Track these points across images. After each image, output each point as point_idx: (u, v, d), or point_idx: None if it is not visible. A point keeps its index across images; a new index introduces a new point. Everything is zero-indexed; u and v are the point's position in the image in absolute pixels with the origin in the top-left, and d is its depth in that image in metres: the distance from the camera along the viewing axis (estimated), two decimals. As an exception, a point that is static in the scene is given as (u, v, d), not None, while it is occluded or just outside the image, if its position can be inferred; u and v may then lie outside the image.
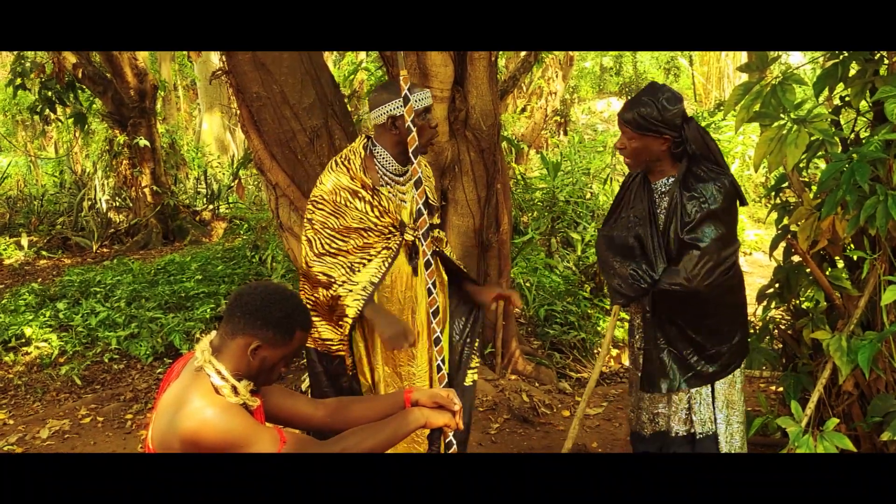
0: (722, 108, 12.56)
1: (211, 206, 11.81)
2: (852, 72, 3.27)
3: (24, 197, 12.52)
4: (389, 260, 3.03)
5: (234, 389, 2.12)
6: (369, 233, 2.98)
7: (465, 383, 3.25)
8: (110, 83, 10.10)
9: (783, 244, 3.62)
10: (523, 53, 8.71)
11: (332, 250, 2.98)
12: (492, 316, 5.21)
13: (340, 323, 3.01)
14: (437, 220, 3.30)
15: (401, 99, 2.89)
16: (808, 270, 3.45)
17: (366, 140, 3.07)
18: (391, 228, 3.01)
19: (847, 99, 3.40)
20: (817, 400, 3.22)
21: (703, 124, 9.84)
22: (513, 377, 5.17)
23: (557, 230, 7.65)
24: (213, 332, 2.23)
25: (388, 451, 2.30)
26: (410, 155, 2.86)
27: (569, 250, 7.58)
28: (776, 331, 3.84)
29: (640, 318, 3.16)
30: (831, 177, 2.95)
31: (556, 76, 12.80)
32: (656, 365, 3.11)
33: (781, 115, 3.05)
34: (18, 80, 9.32)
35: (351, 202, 2.96)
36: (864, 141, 3.16)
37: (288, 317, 2.16)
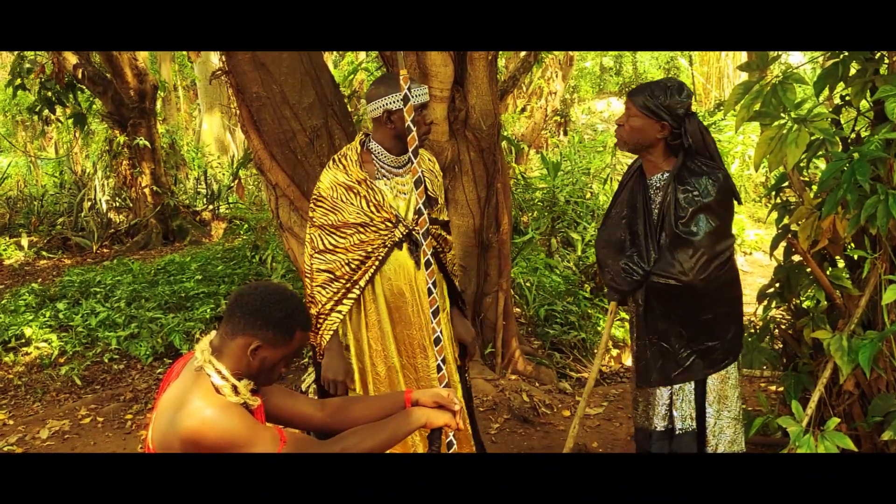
0: (722, 107, 12.55)
1: (211, 207, 11.81)
2: (853, 71, 3.27)
3: (24, 197, 12.52)
4: (380, 262, 3.07)
5: (235, 389, 2.12)
6: (367, 228, 3.00)
7: None
8: (110, 83, 10.10)
9: (783, 244, 3.61)
10: (523, 53, 8.71)
11: (331, 247, 3.03)
12: (492, 316, 5.20)
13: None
14: (445, 217, 3.31)
15: (398, 94, 2.92)
16: (808, 270, 3.44)
17: (363, 136, 3.12)
18: (387, 223, 3.02)
19: (847, 98, 3.40)
20: (818, 399, 3.21)
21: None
22: (513, 377, 5.17)
23: (557, 230, 7.65)
24: (213, 332, 2.23)
25: (388, 452, 2.30)
26: (410, 154, 2.86)
27: (569, 250, 7.57)
28: (777, 330, 3.84)
29: (635, 314, 3.17)
30: (832, 176, 2.95)
31: (556, 76, 12.80)
32: (647, 359, 3.13)
33: (782, 115, 3.05)
34: (18, 81, 9.31)
35: (347, 197, 3.00)
36: (864, 140, 3.16)
37: (288, 317, 2.16)
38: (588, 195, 8.74)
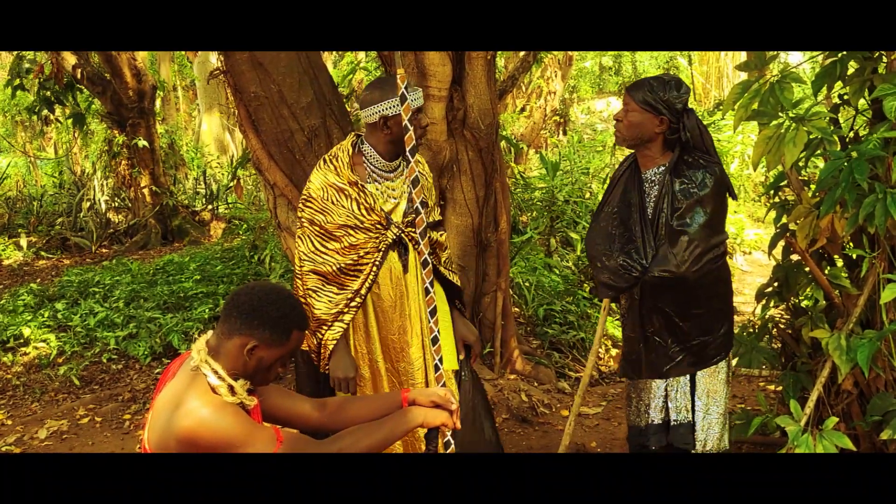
0: (721, 107, 12.54)
1: (210, 207, 11.81)
2: (851, 70, 3.26)
3: (23, 197, 12.52)
4: (378, 266, 3.06)
5: (231, 389, 2.12)
6: (357, 231, 2.99)
7: None
8: (109, 83, 10.09)
9: (782, 243, 3.61)
10: (522, 53, 8.70)
11: (322, 250, 3.01)
12: (490, 315, 5.20)
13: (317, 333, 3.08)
14: (436, 217, 3.31)
15: (395, 99, 2.91)
16: (807, 269, 3.44)
17: (355, 138, 3.09)
18: (377, 226, 3.02)
19: (846, 97, 3.40)
20: (816, 399, 3.21)
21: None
22: (511, 377, 5.17)
23: (556, 230, 7.65)
24: (210, 332, 2.23)
25: (385, 452, 2.30)
26: (408, 154, 2.85)
27: (568, 250, 7.57)
28: (775, 329, 3.83)
29: (628, 307, 3.18)
30: (830, 175, 2.95)
31: (556, 76, 12.79)
32: (639, 352, 3.15)
33: (780, 114, 3.04)
34: (17, 81, 9.31)
35: (338, 199, 2.98)
36: (862, 139, 3.15)
37: (284, 317, 2.15)
38: (587, 195, 8.74)
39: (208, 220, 11.37)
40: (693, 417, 3.16)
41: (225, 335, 2.14)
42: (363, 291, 3.05)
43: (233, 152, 16.32)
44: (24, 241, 10.39)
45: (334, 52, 12.92)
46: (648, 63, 20.32)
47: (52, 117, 10.22)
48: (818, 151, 3.25)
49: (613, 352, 6.08)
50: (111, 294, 7.38)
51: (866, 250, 3.22)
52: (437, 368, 2.87)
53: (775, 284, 3.72)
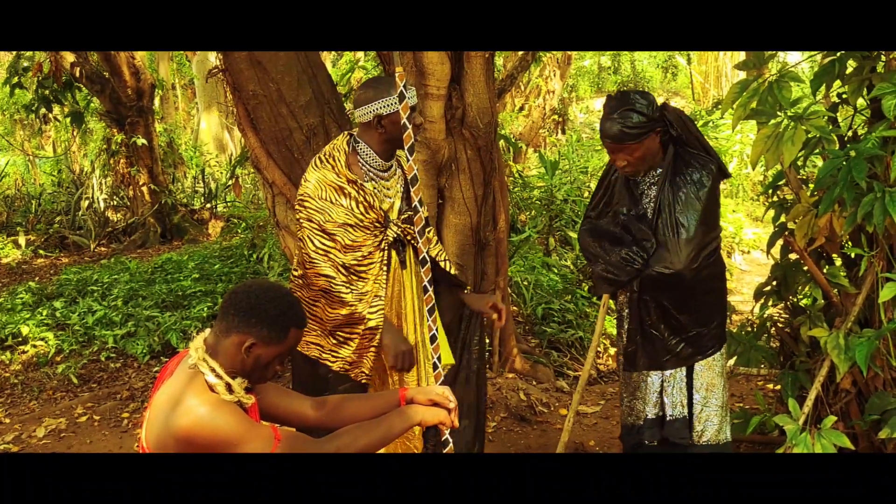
0: (720, 106, 12.55)
1: (208, 205, 11.80)
2: (849, 69, 3.26)
3: (21, 196, 12.51)
4: (386, 266, 3.05)
5: (229, 387, 2.11)
6: (356, 229, 2.98)
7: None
8: (108, 82, 10.08)
9: (780, 242, 3.61)
10: (521, 52, 8.69)
11: (322, 248, 2.98)
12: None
13: (349, 334, 3.03)
14: (425, 213, 3.32)
15: (389, 98, 2.91)
16: (805, 268, 3.44)
17: (349, 137, 3.08)
18: (376, 224, 3.01)
19: (844, 96, 3.40)
20: (815, 398, 3.21)
21: (701, 123, 9.82)
22: (510, 375, 5.17)
23: (555, 229, 7.65)
24: (208, 330, 2.22)
25: (382, 451, 2.30)
26: (406, 152, 2.85)
27: (566, 249, 7.57)
28: (774, 328, 3.84)
29: (628, 301, 3.19)
30: (828, 174, 2.95)
31: (554, 75, 12.77)
32: (637, 344, 3.18)
33: (778, 113, 3.05)
34: (15, 79, 9.29)
35: (336, 198, 2.96)
36: (861, 138, 3.15)
37: (282, 315, 2.15)
38: (586, 194, 8.72)
39: (207, 219, 11.37)
40: (689, 412, 3.18)
41: (223, 333, 2.14)
42: (381, 293, 3.03)
43: (231, 151, 16.32)
44: (22, 240, 10.39)
45: (333, 51, 12.90)
46: (647, 62, 20.33)
47: (50, 116, 10.20)
48: (817, 150, 3.25)
49: (612, 350, 6.08)
50: (109, 292, 7.38)
51: (865, 249, 3.22)
52: (435, 367, 2.87)
53: (774, 283, 3.72)
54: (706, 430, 3.19)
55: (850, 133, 3.47)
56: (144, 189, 10.69)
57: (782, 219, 3.54)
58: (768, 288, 3.76)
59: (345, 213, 2.96)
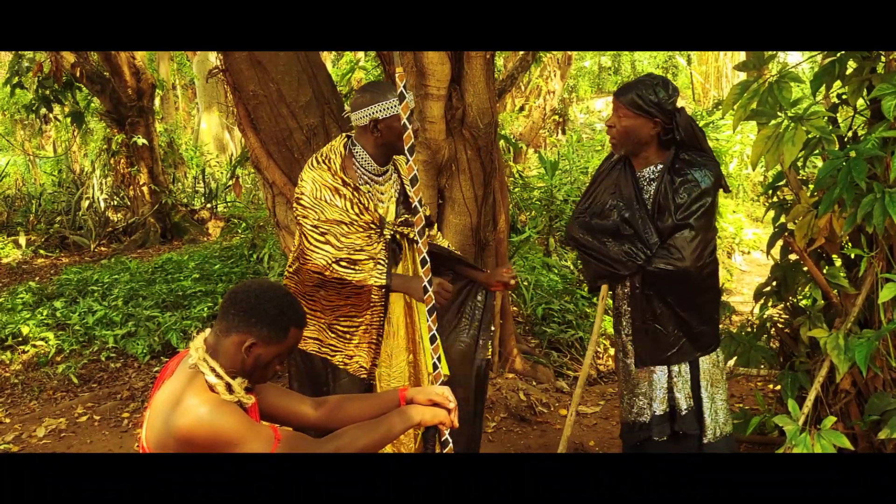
0: (720, 107, 12.54)
1: (209, 205, 11.80)
2: (849, 69, 3.26)
3: (22, 196, 12.51)
4: (385, 256, 3.05)
5: (229, 387, 2.12)
6: (351, 227, 2.99)
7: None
8: (108, 82, 10.09)
9: (780, 242, 3.61)
10: (521, 52, 8.69)
11: (317, 244, 2.99)
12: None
13: (347, 328, 3.03)
14: (427, 212, 3.33)
15: (385, 102, 2.94)
16: (805, 268, 3.44)
17: (346, 139, 3.09)
18: (371, 226, 3.02)
19: (844, 96, 3.40)
20: (814, 398, 3.21)
21: (701, 123, 9.79)
22: (510, 376, 5.17)
23: (555, 229, 7.65)
24: (208, 330, 2.22)
25: (382, 451, 2.30)
26: (406, 153, 2.85)
27: (567, 249, 7.57)
28: (773, 329, 3.84)
29: (629, 297, 3.19)
30: (828, 174, 2.95)
31: (555, 75, 12.77)
32: (642, 339, 3.18)
33: (779, 113, 3.05)
34: (16, 79, 9.30)
35: (331, 199, 2.98)
36: (861, 138, 3.16)
37: (282, 314, 2.15)
38: (586, 194, 8.73)
39: (207, 219, 11.37)
40: (699, 405, 3.17)
41: (223, 333, 2.14)
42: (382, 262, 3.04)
43: (232, 151, 16.32)
44: (22, 240, 10.39)
45: (333, 52, 12.90)
46: (648, 63, 20.33)
47: (51, 116, 10.21)
48: (817, 151, 3.25)
49: (612, 351, 6.08)
50: (110, 292, 7.39)
51: (864, 250, 3.22)
52: (434, 367, 2.87)
53: (773, 284, 3.72)
54: (717, 425, 3.19)
55: (850, 134, 3.47)
56: (145, 189, 10.70)
57: (782, 219, 3.54)
58: (768, 288, 3.76)
59: (339, 213, 2.98)
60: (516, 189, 8.48)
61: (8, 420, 5.15)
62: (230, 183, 10.84)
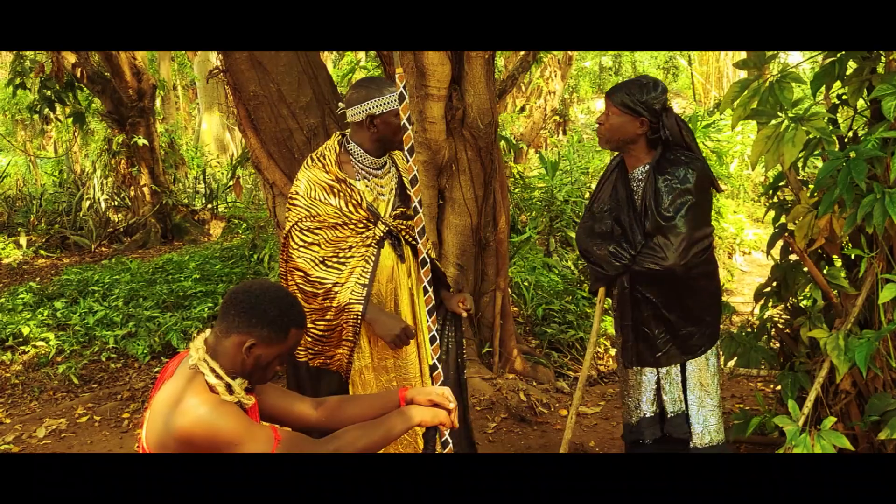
0: (721, 106, 12.51)
1: (209, 206, 11.80)
2: (849, 70, 3.26)
3: (23, 196, 12.51)
4: (372, 259, 3.05)
5: (229, 388, 2.12)
6: (344, 228, 2.99)
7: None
8: (109, 82, 10.09)
9: (780, 242, 3.61)
10: (522, 52, 8.69)
11: (303, 244, 3.00)
12: (489, 315, 5.20)
13: (324, 331, 3.04)
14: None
15: (381, 98, 2.96)
16: (805, 269, 3.44)
17: (340, 137, 3.10)
18: (366, 222, 3.03)
19: (844, 97, 3.40)
20: (815, 399, 3.21)
21: (702, 124, 9.79)
22: (510, 376, 5.16)
23: (556, 229, 7.64)
24: (208, 331, 2.23)
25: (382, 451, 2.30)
26: (405, 153, 2.85)
27: (567, 249, 7.57)
28: (774, 329, 3.84)
29: (618, 298, 3.21)
30: (828, 175, 2.95)
31: (555, 76, 12.77)
32: (630, 341, 3.21)
33: (779, 113, 3.05)
34: (18, 80, 9.31)
35: (326, 197, 2.99)
36: (861, 139, 3.15)
37: (282, 315, 2.15)
38: (587, 194, 8.72)
39: (208, 220, 11.37)
40: (687, 409, 3.19)
41: (223, 334, 2.14)
42: (363, 282, 3.03)
43: (233, 151, 16.33)
44: (23, 240, 10.39)
45: (334, 52, 12.90)
46: (648, 63, 20.33)
47: (52, 116, 10.21)
48: (817, 151, 3.25)
49: (612, 351, 6.08)
50: (110, 293, 7.38)
51: (864, 250, 3.22)
52: (434, 368, 2.87)
53: (774, 284, 3.72)
54: (706, 431, 3.19)
55: (850, 134, 3.47)
56: (145, 189, 10.70)
57: (782, 220, 3.54)
58: (768, 289, 3.76)
59: (333, 212, 2.99)
60: (517, 189, 8.48)
61: (8, 420, 5.15)
62: (231, 183, 10.84)
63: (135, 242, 10.57)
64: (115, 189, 11.28)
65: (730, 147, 10.73)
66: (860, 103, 3.29)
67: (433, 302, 2.91)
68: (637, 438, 3.29)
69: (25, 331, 6.45)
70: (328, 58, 14.57)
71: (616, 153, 3.32)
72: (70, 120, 10.65)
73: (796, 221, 3.26)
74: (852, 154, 2.92)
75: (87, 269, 8.41)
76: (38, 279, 8.60)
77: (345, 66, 11.52)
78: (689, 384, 3.18)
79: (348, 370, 3.10)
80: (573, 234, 7.47)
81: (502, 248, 5.10)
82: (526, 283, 6.40)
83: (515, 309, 6.18)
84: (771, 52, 3.30)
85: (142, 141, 10.32)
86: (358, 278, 3.02)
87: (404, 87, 2.83)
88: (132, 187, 10.80)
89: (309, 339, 3.08)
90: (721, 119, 11.15)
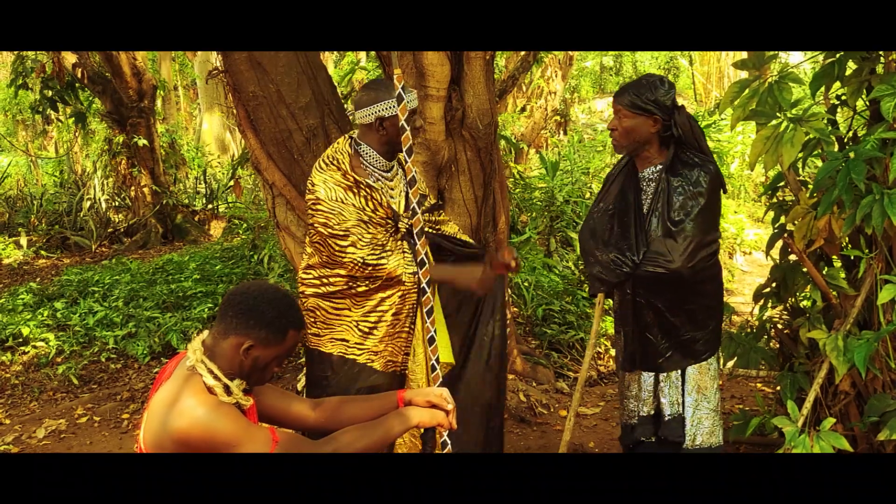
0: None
1: (210, 206, 11.80)
2: (849, 70, 3.26)
3: (23, 196, 12.52)
4: (410, 250, 3.04)
5: (227, 389, 2.12)
6: (370, 225, 2.97)
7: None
8: (109, 83, 10.10)
9: (780, 243, 3.61)
10: (522, 52, 8.69)
11: (343, 246, 2.94)
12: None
13: (375, 323, 3.03)
14: (433, 199, 3.31)
15: (390, 100, 2.90)
16: (804, 270, 3.44)
17: (349, 140, 3.07)
18: (388, 220, 3.01)
19: (843, 97, 3.39)
20: (814, 399, 3.21)
21: (703, 124, 9.78)
22: (510, 377, 5.16)
23: (556, 230, 7.64)
24: (206, 332, 2.23)
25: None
26: (404, 154, 2.85)
27: (568, 250, 7.56)
28: (773, 330, 3.84)
29: (622, 301, 3.19)
30: (827, 175, 2.95)
31: (556, 76, 12.77)
32: (632, 345, 3.18)
33: (778, 114, 3.04)
34: (20, 80, 9.31)
35: (346, 198, 2.95)
36: (861, 140, 3.15)
37: (280, 316, 2.15)
38: (587, 195, 8.72)
39: (208, 220, 11.38)
40: (683, 412, 3.18)
41: (221, 335, 2.14)
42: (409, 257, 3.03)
43: (234, 151, 16.34)
44: (24, 240, 10.39)
45: (335, 52, 12.91)
46: (649, 63, 20.33)
47: (53, 116, 10.22)
48: (816, 152, 3.25)
49: (612, 352, 6.08)
50: (110, 293, 7.39)
51: (864, 251, 3.22)
52: (433, 369, 2.87)
53: (773, 285, 3.72)
54: (697, 433, 3.18)
55: (849, 135, 3.47)
56: (146, 190, 10.70)
57: (782, 220, 3.54)
58: (768, 289, 3.76)
59: (356, 211, 2.95)
60: (517, 190, 8.48)
61: (8, 421, 5.16)
62: (231, 184, 10.84)
63: (135, 243, 10.58)
64: (115, 189, 11.28)
65: (730, 147, 10.73)
66: (859, 104, 3.28)
67: (431, 303, 2.91)
68: (634, 440, 3.28)
69: (25, 331, 6.45)
70: (329, 58, 14.57)
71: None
72: (71, 120, 10.66)
73: (795, 222, 3.26)
74: (851, 155, 2.92)
75: (88, 270, 8.41)
76: (38, 279, 8.61)
77: (346, 66, 11.52)
78: (687, 387, 3.17)
79: (403, 364, 3.09)
80: (574, 235, 7.47)
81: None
82: (526, 284, 6.39)
83: (515, 309, 6.18)
84: (770, 53, 3.30)
85: (142, 141, 10.32)
86: (405, 266, 3.00)
87: (403, 89, 2.83)
88: (133, 187, 10.81)
89: (359, 333, 3.05)
90: (721, 119, 11.15)
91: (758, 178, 10.88)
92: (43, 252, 10.26)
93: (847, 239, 3.36)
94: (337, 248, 2.94)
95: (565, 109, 14.97)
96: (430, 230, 3.24)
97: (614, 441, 4.42)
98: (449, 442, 2.66)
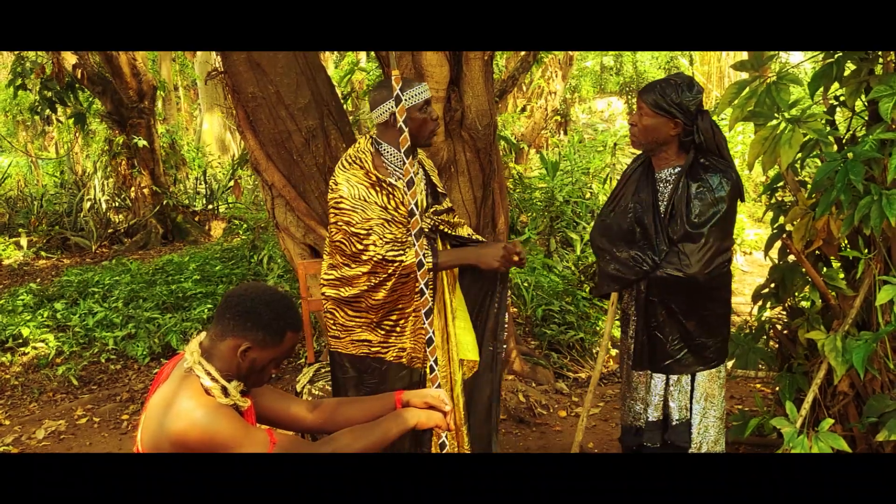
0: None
1: (210, 206, 11.80)
2: (847, 71, 3.26)
3: (24, 197, 12.53)
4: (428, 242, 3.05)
5: (225, 390, 2.12)
6: (392, 223, 2.97)
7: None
8: (109, 83, 10.10)
9: (779, 243, 3.61)
10: (522, 52, 8.69)
11: (364, 243, 2.96)
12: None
13: (398, 320, 3.05)
14: (448, 204, 3.31)
15: (410, 90, 2.94)
16: (803, 270, 3.44)
17: (370, 140, 3.09)
18: (408, 218, 3.02)
19: (842, 98, 3.39)
20: (812, 400, 3.21)
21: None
22: (510, 377, 5.16)
23: (556, 230, 7.64)
24: (203, 334, 2.23)
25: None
26: (403, 154, 2.86)
27: (568, 250, 7.56)
28: (772, 331, 3.84)
29: (635, 301, 3.18)
30: (826, 176, 2.94)
31: (556, 76, 12.77)
32: (643, 344, 3.17)
33: (776, 115, 3.04)
34: (19, 81, 9.31)
35: (369, 196, 2.96)
36: (859, 140, 3.15)
37: (278, 318, 2.15)
38: (587, 195, 8.72)
39: (208, 220, 11.38)
40: (690, 418, 3.17)
41: (218, 337, 2.14)
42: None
43: (234, 152, 16.34)
44: (24, 241, 10.40)
45: (335, 53, 12.91)
46: (649, 63, 20.32)
47: (53, 117, 10.21)
48: (815, 153, 3.24)
49: (614, 352, 6.07)
50: (110, 294, 7.39)
51: (862, 252, 3.22)
52: (431, 370, 2.87)
53: (772, 285, 3.72)
54: (704, 441, 3.17)
55: (848, 135, 3.47)
56: (146, 190, 10.70)
57: (780, 221, 3.54)
58: (766, 290, 3.76)
59: (379, 209, 2.96)
60: (517, 190, 8.47)
61: (8, 422, 5.16)
62: (231, 184, 10.84)
63: (135, 243, 10.58)
64: (115, 190, 11.29)
65: (730, 147, 10.71)
66: (858, 104, 3.28)
67: (430, 304, 2.92)
68: (639, 442, 3.27)
69: (25, 332, 6.46)
70: (329, 59, 14.58)
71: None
72: (71, 121, 10.66)
73: (794, 223, 3.26)
74: (850, 155, 2.92)
75: (88, 270, 8.41)
76: (38, 280, 8.61)
77: (346, 66, 11.52)
78: (696, 394, 3.14)
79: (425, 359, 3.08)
80: (574, 235, 7.47)
81: (501, 249, 5.09)
82: (526, 284, 6.39)
83: (515, 310, 6.18)
84: (770, 53, 3.30)
85: (142, 142, 10.33)
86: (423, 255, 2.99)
87: (406, 82, 2.85)
88: (133, 188, 10.81)
89: (382, 332, 3.06)
90: (721, 119, 11.15)
91: (758, 178, 10.88)
92: (43, 253, 10.26)
93: (846, 240, 3.36)
94: (359, 246, 2.95)
95: (565, 109, 14.97)
96: (447, 231, 3.26)
97: (613, 441, 4.42)
98: (447, 443, 2.66)
